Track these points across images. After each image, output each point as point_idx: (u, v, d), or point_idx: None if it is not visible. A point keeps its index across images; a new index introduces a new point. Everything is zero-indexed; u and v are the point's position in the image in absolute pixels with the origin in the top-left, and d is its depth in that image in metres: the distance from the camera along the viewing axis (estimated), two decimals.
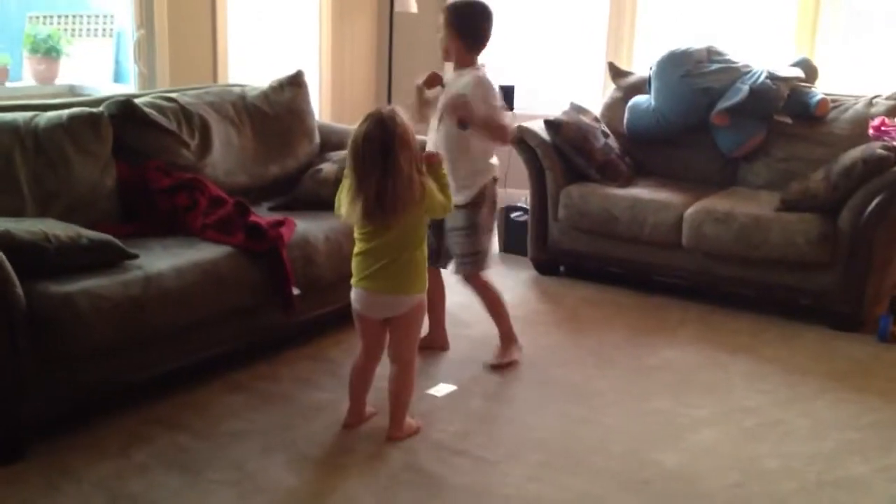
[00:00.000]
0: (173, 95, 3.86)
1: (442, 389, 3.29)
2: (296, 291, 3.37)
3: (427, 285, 2.85)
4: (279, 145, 4.14)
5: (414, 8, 5.66)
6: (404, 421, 2.90)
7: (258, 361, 3.43)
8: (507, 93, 5.81)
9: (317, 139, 4.30)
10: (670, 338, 3.79)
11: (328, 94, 5.66)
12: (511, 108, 5.81)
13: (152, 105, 3.70)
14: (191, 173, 3.63)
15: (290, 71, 4.33)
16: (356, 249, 2.81)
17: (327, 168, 3.97)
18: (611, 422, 3.06)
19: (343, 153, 4.08)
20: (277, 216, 3.57)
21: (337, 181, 3.90)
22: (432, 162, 2.85)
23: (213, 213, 3.45)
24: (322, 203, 3.80)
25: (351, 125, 4.89)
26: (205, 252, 3.19)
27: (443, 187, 2.84)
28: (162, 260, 3.06)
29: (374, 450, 2.82)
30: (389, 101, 5.87)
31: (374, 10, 5.95)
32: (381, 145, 2.61)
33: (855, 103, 4.32)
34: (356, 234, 2.80)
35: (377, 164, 2.61)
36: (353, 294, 2.85)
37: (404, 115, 2.69)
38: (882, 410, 3.14)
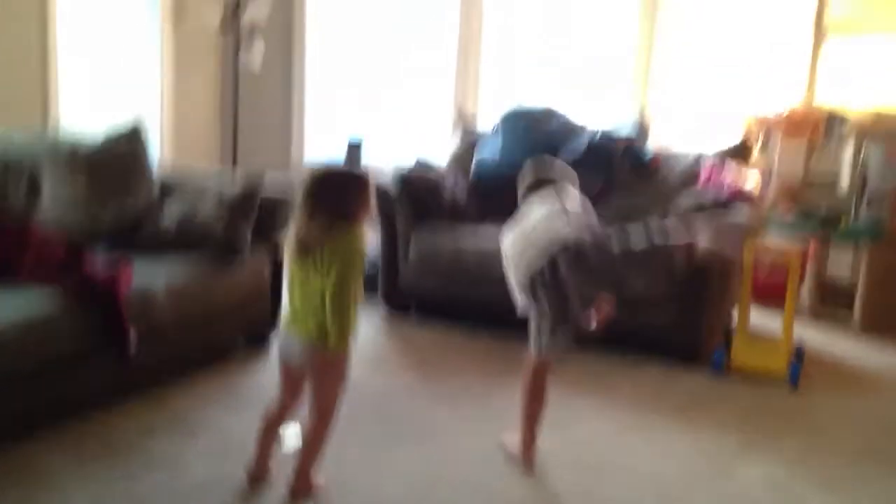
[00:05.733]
0: None
1: (292, 432, 3.19)
2: (133, 338, 3.22)
3: (348, 344, 2.59)
4: (115, 191, 3.96)
5: (258, 67, 5.62)
6: (309, 473, 2.71)
7: (93, 413, 3.22)
8: (356, 146, 5.86)
9: (156, 186, 4.16)
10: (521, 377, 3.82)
11: (169, 142, 5.52)
12: (360, 162, 5.86)
13: None
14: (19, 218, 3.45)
15: (130, 117, 4.20)
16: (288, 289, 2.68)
17: (167, 213, 3.86)
18: (469, 457, 3.06)
19: (188, 195, 3.99)
20: (113, 260, 3.42)
21: (180, 223, 3.85)
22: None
23: (43, 256, 3.27)
24: (161, 248, 3.70)
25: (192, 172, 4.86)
26: (33, 297, 3.00)
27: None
28: None
29: (225, 500, 2.70)
30: (235, 152, 5.78)
31: (216, 65, 5.87)
32: (312, 184, 2.54)
33: (684, 159, 4.58)
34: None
35: (308, 202, 2.54)
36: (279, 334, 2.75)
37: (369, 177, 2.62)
38: (717, 441, 3.26)
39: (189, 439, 3.09)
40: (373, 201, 2.59)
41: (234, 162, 5.81)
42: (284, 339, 2.68)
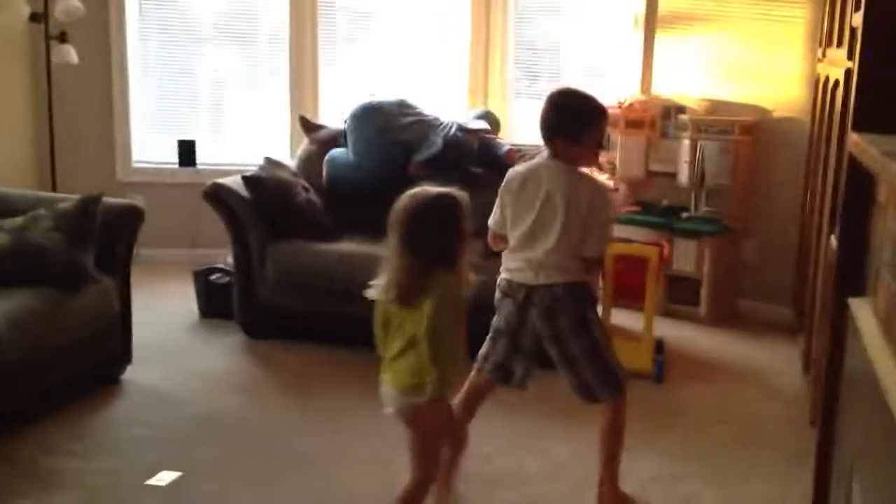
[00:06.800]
0: None
1: (165, 477, 2.95)
2: None
3: (447, 392, 2.40)
4: None
5: (75, 58, 5.19)
6: None
7: None
8: (188, 148, 5.55)
9: None
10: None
11: None
12: (193, 163, 5.55)
13: None
14: None
15: None
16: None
17: None
18: (359, 489, 2.93)
19: (18, 220, 3.60)
20: None
21: (12, 252, 3.44)
22: None
23: None
24: None
25: (12, 188, 4.40)
26: None
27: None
28: None
29: None
30: (53, 158, 5.29)
31: (26, 62, 5.36)
32: (396, 217, 2.35)
33: (538, 152, 4.56)
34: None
35: (395, 237, 2.34)
36: None
37: (460, 197, 2.39)
38: None
39: (45, 494, 2.79)
40: (468, 225, 2.39)
41: (53, 172, 5.32)
42: (384, 395, 2.46)
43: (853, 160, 2.39)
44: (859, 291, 2.32)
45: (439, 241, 2.34)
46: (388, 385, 2.43)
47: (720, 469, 3.12)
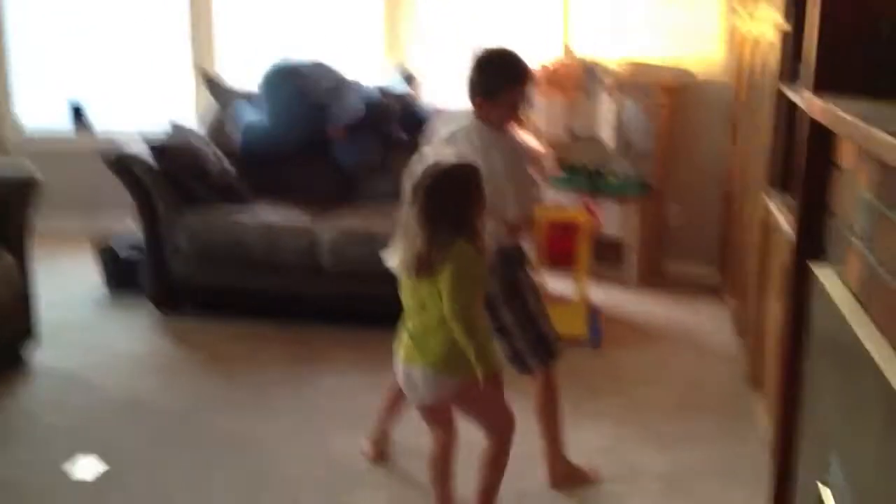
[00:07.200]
0: None
1: (86, 467, 2.74)
2: None
3: (495, 363, 2.34)
4: None
5: None
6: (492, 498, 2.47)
7: None
8: (79, 112, 5.19)
9: None
10: (328, 366, 3.55)
11: None
12: (88, 127, 5.20)
13: None
14: None
15: None
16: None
17: None
18: (299, 468, 2.77)
19: None
20: None
21: None
22: None
23: None
24: None
25: None
26: None
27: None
28: None
29: None
30: None
31: None
32: (415, 187, 2.24)
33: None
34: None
35: (412, 208, 2.23)
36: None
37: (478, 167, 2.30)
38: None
39: None
40: (463, 202, 2.26)
41: None
42: (406, 376, 2.33)
43: (815, 124, 2.33)
44: (818, 256, 2.28)
45: (459, 211, 2.24)
46: (417, 363, 2.31)
47: (664, 434, 3.09)
